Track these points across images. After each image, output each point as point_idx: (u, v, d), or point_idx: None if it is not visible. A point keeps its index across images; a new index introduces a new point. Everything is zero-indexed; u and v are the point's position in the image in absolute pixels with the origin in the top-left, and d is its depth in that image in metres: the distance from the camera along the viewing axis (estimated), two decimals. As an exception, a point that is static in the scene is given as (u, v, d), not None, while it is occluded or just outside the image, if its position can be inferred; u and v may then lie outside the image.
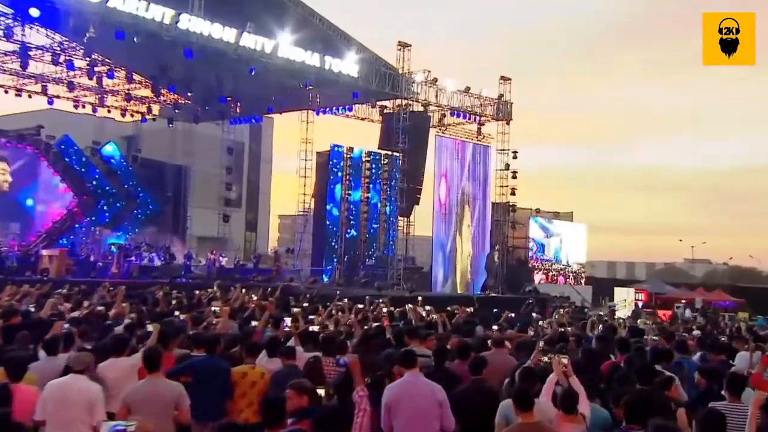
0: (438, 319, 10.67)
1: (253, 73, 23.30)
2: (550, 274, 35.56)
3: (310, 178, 32.05)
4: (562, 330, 9.70)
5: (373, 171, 32.15)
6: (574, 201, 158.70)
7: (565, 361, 5.73)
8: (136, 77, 27.25)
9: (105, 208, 27.36)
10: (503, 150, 32.11)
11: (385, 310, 11.86)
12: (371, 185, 32.22)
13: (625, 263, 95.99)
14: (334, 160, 31.20)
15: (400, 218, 31.55)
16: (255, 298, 13.22)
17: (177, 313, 10.17)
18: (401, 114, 28.32)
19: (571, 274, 36.79)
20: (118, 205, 27.82)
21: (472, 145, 32.17)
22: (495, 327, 9.44)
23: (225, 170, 31.61)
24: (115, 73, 25.56)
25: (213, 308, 10.10)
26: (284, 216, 54.79)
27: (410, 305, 12.62)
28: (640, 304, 31.70)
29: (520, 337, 9.28)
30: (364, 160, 32.21)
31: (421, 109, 29.97)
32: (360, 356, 6.89)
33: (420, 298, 14.49)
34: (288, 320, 8.38)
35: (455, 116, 30.91)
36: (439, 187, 30.10)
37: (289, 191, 32.57)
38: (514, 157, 32.08)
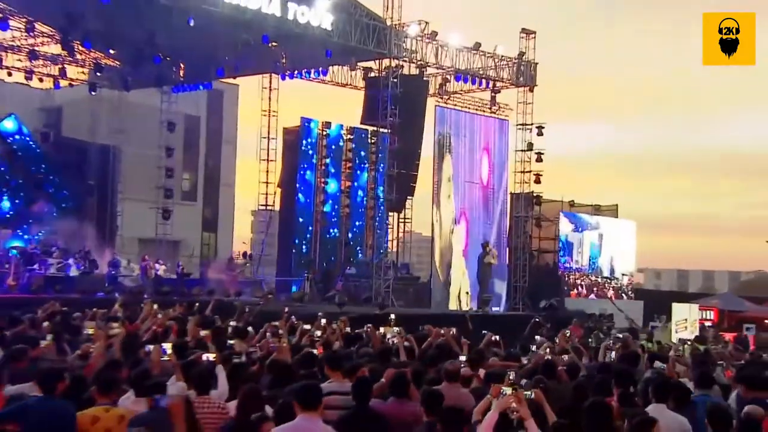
0: (399, 344, 10.69)
1: (192, 24, 22.93)
2: (576, 288, 35.12)
3: (275, 162, 32.37)
4: (548, 358, 9.55)
5: (357, 152, 32.41)
6: (619, 192, 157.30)
7: (512, 401, 5.74)
8: (40, 28, 26.76)
9: (4, 201, 26.94)
10: (525, 125, 31.72)
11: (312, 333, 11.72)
12: (355, 171, 32.57)
13: (701, 272, 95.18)
14: (307, 139, 31.48)
15: (391, 214, 31.88)
16: (161, 317, 12.76)
17: (48, 337, 9.93)
18: (390, 78, 27.96)
19: (609, 286, 36.13)
20: (22, 197, 27.49)
21: (483, 118, 32.09)
22: (462, 357, 9.23)
23: (165, 152, 31.26)
24: (11, 22, 25.01)
25: (87, 330, 10.05)
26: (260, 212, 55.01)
27: (370, 326, 12.52)
28: (707, 324, 30.91)
29: (507, 367, 9.28)
30: (345, 138, 32.53)
31: (416, 72, 29.95)
32: (250, 392, 6.69)
33: (393, 316, 14.15)
34: (167, 347, 8.24)
35: (461, 81, 30.83)
36: (440, 171, 30.08)
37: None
38: (540, 134, 31.78)
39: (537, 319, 17.16)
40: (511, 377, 6.86)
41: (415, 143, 30.58)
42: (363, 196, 32.36)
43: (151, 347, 8.85)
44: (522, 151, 32.01)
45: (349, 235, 32.03)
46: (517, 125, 31.88)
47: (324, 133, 31.58)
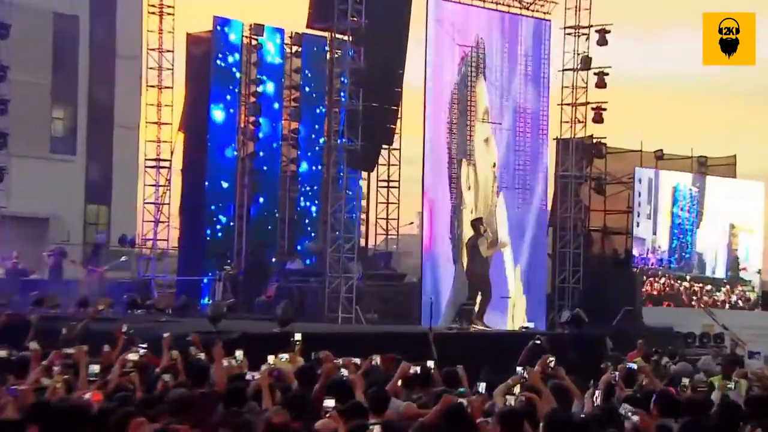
0: (260, 381, 11.27)
1: None
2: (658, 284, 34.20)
3: (173, 90, 32.49)
4: (461, 401, 9.90)
5: (306, 75, 32.30)
6: (739, 137, 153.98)
7: None
8: None
9: None
10: (578, 28, 31.99)
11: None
12: (307, 106, 32.16)
13: None
14: (224, 54, 31.04)
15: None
16: None
17: None
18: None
19: (699, 290, 35.09)
20: None
21: (507, 17, 31.56)
22: (329, 402, 9.54)
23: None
24: None
25: None
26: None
27: (238, 358, 13.19)
28: None
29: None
30: (288, 52, 32.45)
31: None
32: None
33: (298, 336, 15.17)
34: None
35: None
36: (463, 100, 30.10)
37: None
38: (602, 43, 32.00)
39: (538, 341, 17.66)
40: None
41: (395, 59, 30.55)
42: (320, 147, 31.91)
43: None
44: (573, 70, 32.18)
45: (297, 209, 32.07)
46: (564, 29, 32.17)
47: (252, 43, 31.02)
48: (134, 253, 32.10)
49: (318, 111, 32.12)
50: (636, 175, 33.83)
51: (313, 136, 32.13)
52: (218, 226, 30.83)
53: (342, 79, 29.97)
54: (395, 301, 30.24)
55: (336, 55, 30.98)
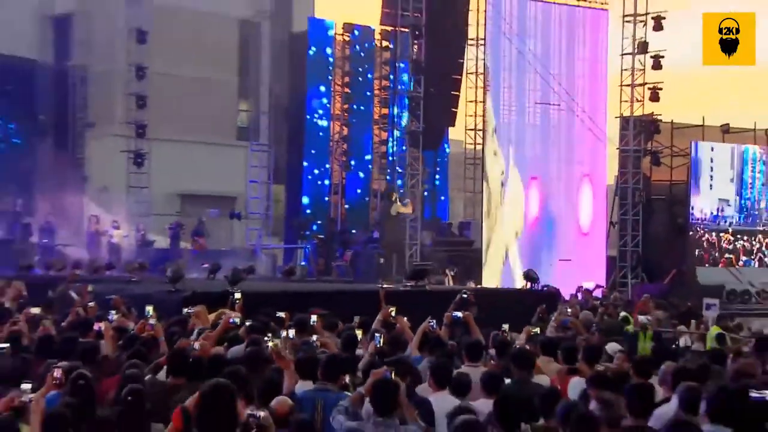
0: (105, 333, 13.00)
1: None
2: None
3: None
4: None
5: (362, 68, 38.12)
6: None
7: None
8: None
9: None
10: (636, 16, 35.24)
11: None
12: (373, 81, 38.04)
13: None
14: (317, 47, 37.12)
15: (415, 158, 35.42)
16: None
17: None
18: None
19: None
20: None
21: (566, 8, 35.38)
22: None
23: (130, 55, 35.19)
24: None
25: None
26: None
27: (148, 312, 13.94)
28: None
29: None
30: (378, 45, 37.94)
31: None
32: None
33: (237, 295, 15.40)
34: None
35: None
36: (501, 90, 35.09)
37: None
38: (658, 28, 34.97)
39: (465, 294, 15.61)
40: None
41: (454, 48, 34.72)
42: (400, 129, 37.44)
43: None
44: (631, 54, 35.63)
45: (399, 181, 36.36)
46: (624, 17, 35.53)
47: (345, 37, 37.31)
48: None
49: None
50: (696, 147, 36.43)
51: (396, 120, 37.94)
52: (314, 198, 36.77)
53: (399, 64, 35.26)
54: (462, 265, 33.26)
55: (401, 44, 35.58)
